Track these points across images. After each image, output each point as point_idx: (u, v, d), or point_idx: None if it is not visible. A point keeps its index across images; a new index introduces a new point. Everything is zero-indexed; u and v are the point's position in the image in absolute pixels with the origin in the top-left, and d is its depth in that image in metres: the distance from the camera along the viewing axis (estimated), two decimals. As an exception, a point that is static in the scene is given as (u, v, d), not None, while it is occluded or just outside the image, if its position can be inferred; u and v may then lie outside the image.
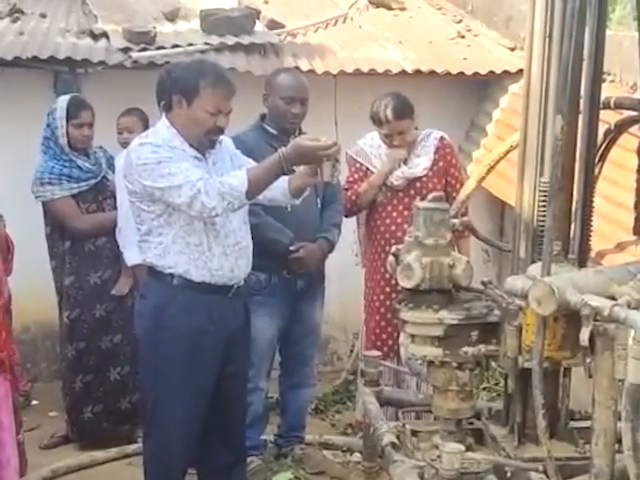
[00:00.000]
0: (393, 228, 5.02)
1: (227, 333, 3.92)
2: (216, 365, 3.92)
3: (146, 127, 5.15)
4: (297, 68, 5.98)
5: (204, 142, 3.82)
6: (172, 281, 3.80)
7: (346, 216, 5.15)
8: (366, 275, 5.27)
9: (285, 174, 3.73)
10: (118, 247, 5.31)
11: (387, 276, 4.89)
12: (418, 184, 5.04)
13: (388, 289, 5.03)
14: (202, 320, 3.83)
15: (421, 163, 5.05)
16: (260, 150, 4.52)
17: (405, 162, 5.04)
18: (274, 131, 4.77)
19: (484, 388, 5.66)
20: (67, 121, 5.22)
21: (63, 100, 5.32)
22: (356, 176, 5.15)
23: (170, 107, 3.80)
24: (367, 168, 5.13)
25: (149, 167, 3.65)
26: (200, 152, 3.83)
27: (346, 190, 5.11)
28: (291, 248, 4.69)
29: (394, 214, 5.05)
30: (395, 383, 5.01)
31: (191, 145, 3.79)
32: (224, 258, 3.84)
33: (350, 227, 5.44)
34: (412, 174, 5.03)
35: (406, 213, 4.90)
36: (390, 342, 5.05)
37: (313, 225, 4.81)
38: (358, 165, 5.16)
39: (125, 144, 5.13)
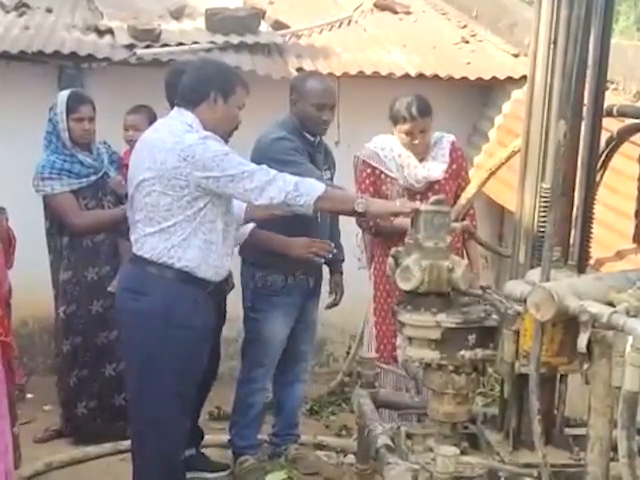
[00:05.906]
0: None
1: (215, 326, 4.23)
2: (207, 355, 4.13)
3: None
4: (300, 69, 5.98)
5: (226, 138, 3.95)
6: (178, 276, 3.83)
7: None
8: (377, 278, 5.16)
9: (352, 215, 4.10)
10: (116, 244, 5.30)
11: None
12: (436, 187, 4.98)
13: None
14: (206, 314, 3.97)
15: (439, 166, 5.02)
16: (302, 154, 4.60)
17: (420, 161, 5.01)
18: (311, 138, 4.78)
19: (479, 393, 5.64)
20: (67, 115, 5.21)
21: (63, 95, 5.30)
22: (367, 181, 5.00)
23: (198, 103, 3.85)
24: (381, 172, 5.00)
25: (219, 158, 3.72)
26: None
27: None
28: None
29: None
30: (397, 387, 4.98)
31: None
32: (227, 258, 4.01)
33: (352, 231, 5.41)
34: (432, 176, 4.99)
35: None
36: (401, 345, 5.03)
37: (323, 225, 4.82)
38: (370, 170, 5.00)
39: (131, 141, 5.12)
